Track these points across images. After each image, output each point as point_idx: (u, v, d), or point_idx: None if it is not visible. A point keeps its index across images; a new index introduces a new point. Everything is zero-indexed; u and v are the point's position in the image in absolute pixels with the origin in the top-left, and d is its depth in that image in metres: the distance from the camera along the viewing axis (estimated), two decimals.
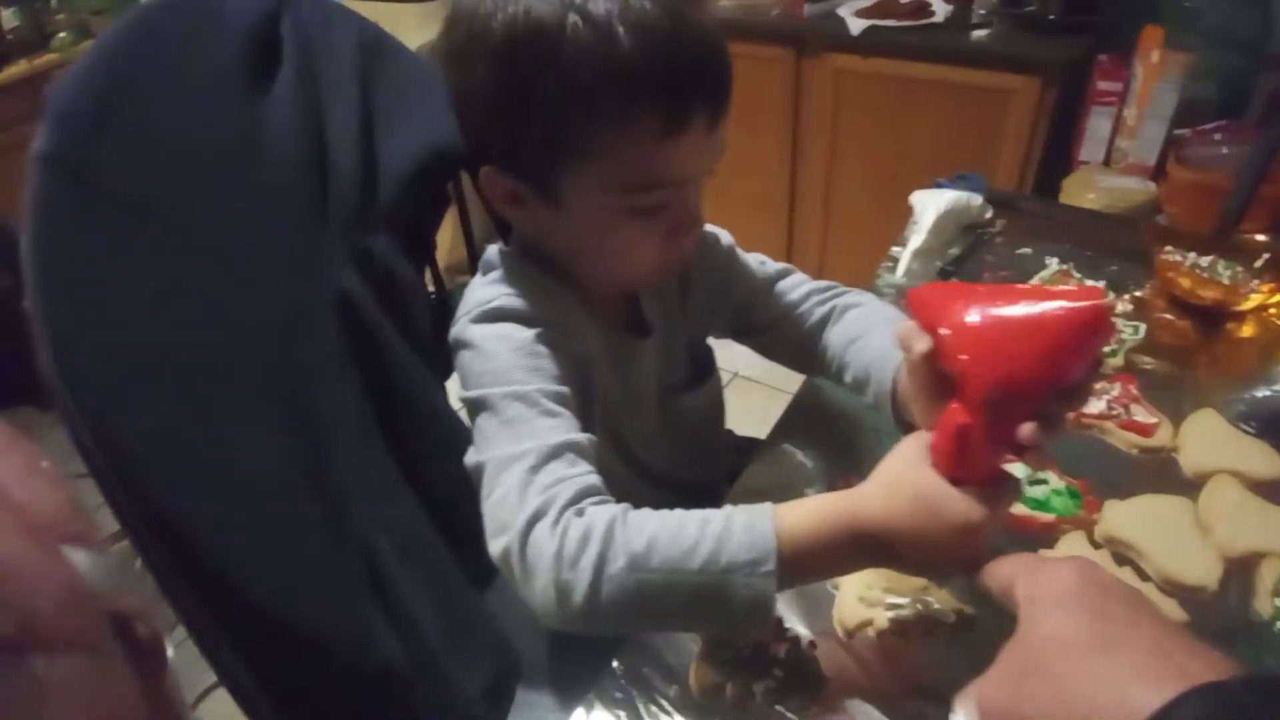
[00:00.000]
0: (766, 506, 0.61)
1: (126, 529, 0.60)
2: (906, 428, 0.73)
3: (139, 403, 0.60)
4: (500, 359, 0.69)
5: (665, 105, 0.63)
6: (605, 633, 0.65)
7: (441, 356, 0.81)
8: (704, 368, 0.95)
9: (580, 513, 0.60)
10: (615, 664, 0.68)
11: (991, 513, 0.56)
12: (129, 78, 0.64)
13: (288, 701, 0.68)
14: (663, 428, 0.90)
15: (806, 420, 0.95)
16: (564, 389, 0.68)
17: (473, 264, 1.13)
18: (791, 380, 0.95)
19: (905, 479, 0.59)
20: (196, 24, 0.70)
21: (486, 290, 0.75)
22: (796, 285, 0.90)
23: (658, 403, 0.89)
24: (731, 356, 0.94)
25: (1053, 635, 0.45)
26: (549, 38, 0.61)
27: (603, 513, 0.60)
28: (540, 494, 0.61)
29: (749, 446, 0.94)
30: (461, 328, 0.73)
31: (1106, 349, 0.98)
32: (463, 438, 0.89)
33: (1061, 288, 0.52)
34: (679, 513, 0.61)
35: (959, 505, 0.56)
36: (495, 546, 0.62)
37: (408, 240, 0.87)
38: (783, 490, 0.83)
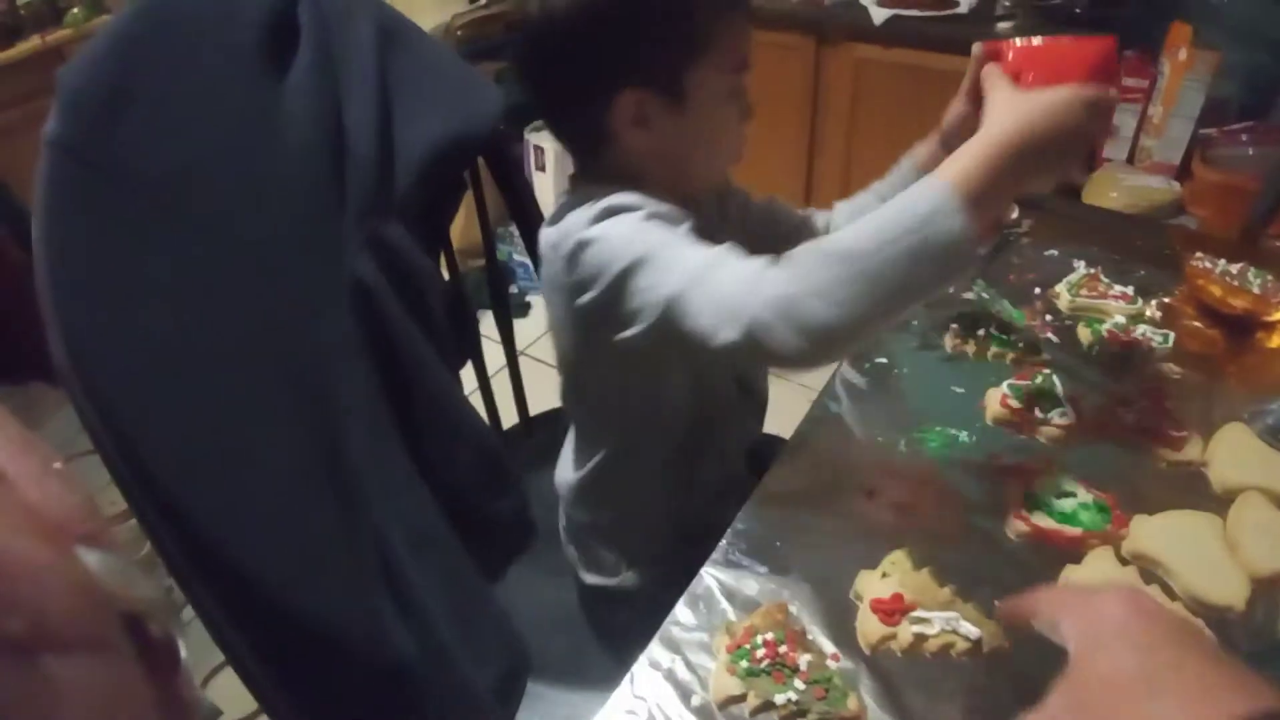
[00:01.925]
0: (928, 176, 0.69)
1: (135, 511, 0.59)
2: None
3: (149, 390, 0.59)
4: (627, 230, 0.73)
5: None
6: (860, 339, 0.71)
7: (455, 344, 0.80)
8: None
9: (784, 261, 0.67)
10: (632, 673, 0.67)
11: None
12: (143, 62, 0.63)
13: (298, 692, 0.67)
14: None
15: (825, 428, 0.93)
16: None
17: (488, 248, 1.12)
18: (804, 377, 0.93)
19: (1020, 97, 0.73)
20: (212, 7, 0.69)
21: (591, 203, 0.77)
22: (788, 207, 1.06)
23: None
24: None
25: (1102, 677, 0.46)
26: None
27: (800, 248, 0.68)
28: (747, 267, 0.68)
29: (773, 443, 0.92)
30: (577, 238, 0.75)
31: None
32: (476, 429, 0.88)
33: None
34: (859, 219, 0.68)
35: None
36: (730, 333, 0.66)
37: (423, 227, 0.86)
38: (808, 496, 0.83)
